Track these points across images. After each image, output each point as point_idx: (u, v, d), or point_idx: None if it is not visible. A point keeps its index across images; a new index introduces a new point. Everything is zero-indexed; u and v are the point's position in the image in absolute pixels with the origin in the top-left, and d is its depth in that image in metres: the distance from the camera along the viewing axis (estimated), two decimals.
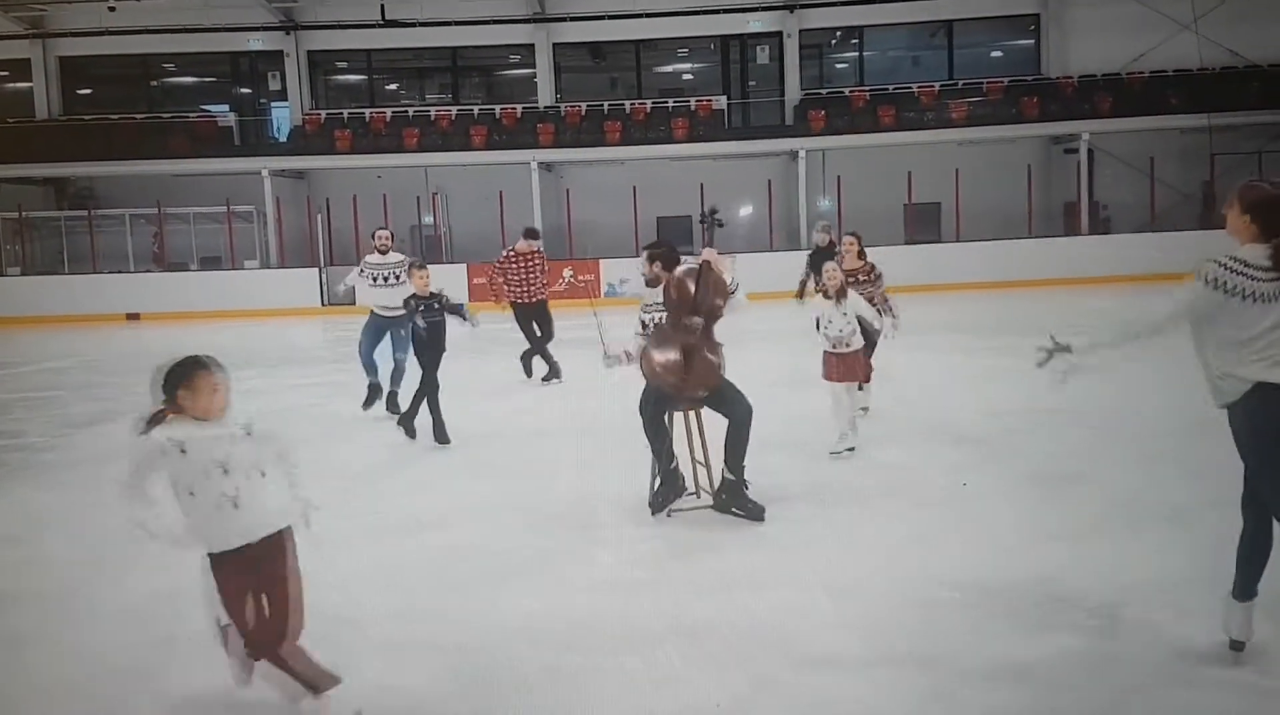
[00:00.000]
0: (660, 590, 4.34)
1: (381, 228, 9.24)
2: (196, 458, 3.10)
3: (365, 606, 4.26)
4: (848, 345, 6.44)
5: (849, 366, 6.47)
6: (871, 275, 7.47)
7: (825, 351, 6.53)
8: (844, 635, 3.80)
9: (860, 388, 7.15)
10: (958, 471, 6.10)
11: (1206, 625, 3.66)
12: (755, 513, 5.19)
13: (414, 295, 7.45)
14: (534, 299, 10.32)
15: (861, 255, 7.51)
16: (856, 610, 4.04)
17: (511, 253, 10.37)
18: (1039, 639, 3.68)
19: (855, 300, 6.51)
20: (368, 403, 8.65)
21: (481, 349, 14.20)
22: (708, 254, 5.37)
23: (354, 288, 9.43)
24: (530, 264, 10.30)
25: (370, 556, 4.96)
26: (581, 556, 4.84)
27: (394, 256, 8.89)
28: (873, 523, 5.20)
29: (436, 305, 7.46)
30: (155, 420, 3.17)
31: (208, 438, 3.11)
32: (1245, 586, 3.41)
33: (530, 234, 10.55)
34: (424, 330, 7.39)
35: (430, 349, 7.48)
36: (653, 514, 5.20)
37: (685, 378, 5.16)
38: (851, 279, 7.12)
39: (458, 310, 7.61)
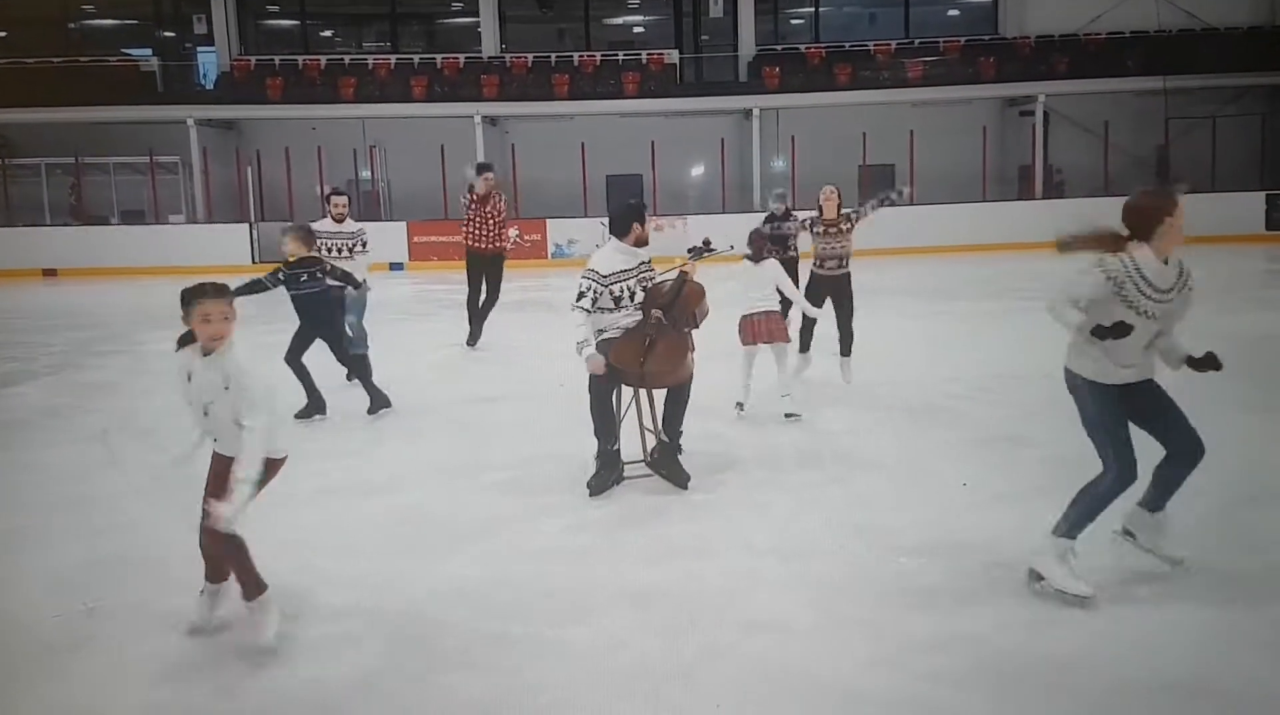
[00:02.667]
0: (608, 557, 4.39)
1: (338, 192, 8.68)
2: (194, 389, 3.54)
3: (308, 571, 4.25)
4: (767, 307, 6.62)
5: (773, 327, 6.58)
6: (848, 226, 7.73)
7: (744, 315, 6.64)
8: (793, 600, 3.88)
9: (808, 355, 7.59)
10: (909, 436, 6.23)
11: (1151, 586, 3.81)
12: (681, 479, 5.27)
13: (286, 262, 6.86)
14: (489, 247, 9.90)
15: (839, 207, 7.78)
16: (805, 575, 4.12)
17: (473, 196, 9.86)
18: (985, 604, 3.79)
19: (775, 268, 6.71)
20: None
21: (427, 312, 14.11)
22: (690, 268, 5.41)
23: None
24: (491, 207, 9.84)
25: (314, 520, 4.94)
26: (528, 523, 4.87)
27: (350, 225, 8.53)
28: (823, 488, 5.29)
29: (320, 273, 6.92)
30: (184, 340, 3.57)
31: (201, 378, 3.50)
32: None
33: (485, 168, 10.01)
34: (301, 299, 6.90)
35: (313, 324, 7.01)
36: (590, 495, 5.22)
37: (642, 370, 5.20)
38: (834, 228, 7.61)
39: (349, 278, 7.21)
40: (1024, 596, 3.84)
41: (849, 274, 7.73)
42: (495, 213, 9.89)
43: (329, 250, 8.16)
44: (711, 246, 5.66)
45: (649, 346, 5.20)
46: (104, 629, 3.82)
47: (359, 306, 8.11)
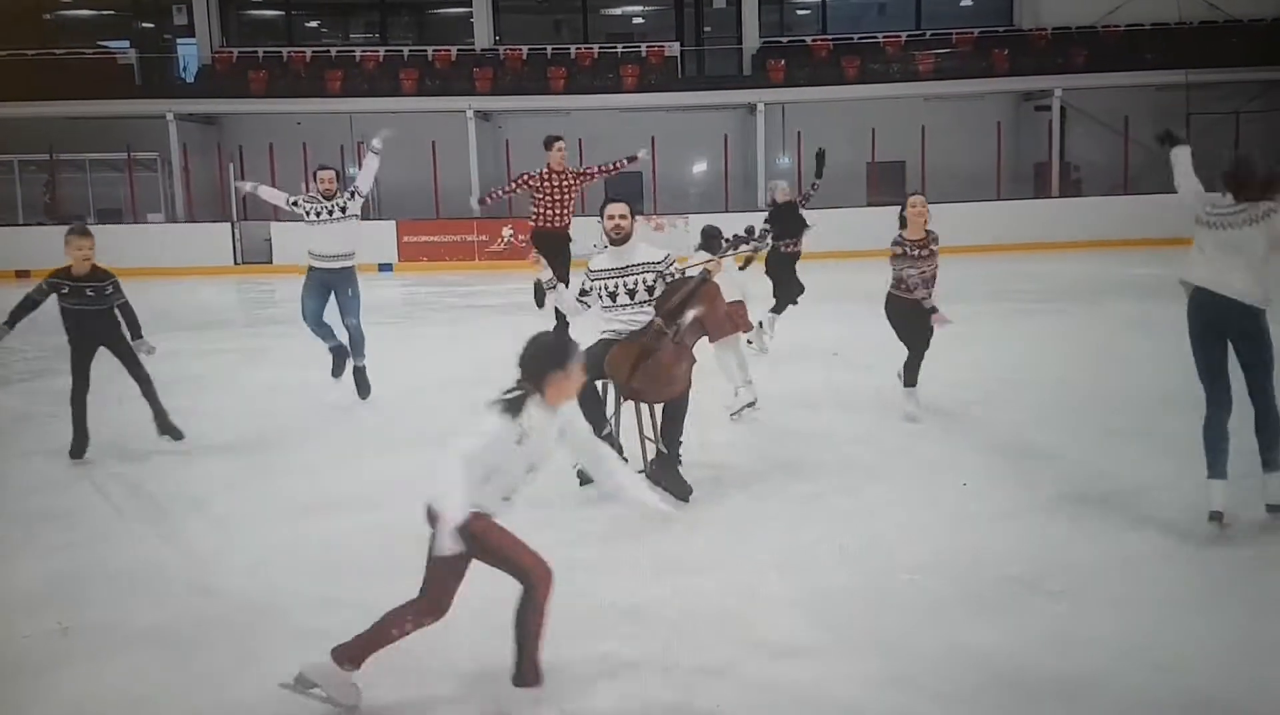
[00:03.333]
0: (605, 572, 4.36)
1: (325, 167, 8.07)
2: (533, 448, 3.43)
3: (282, 593, 4.22)
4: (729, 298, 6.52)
5: (738, 314, 6.51)
6: (936, 245, 6.83)
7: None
8: (798, 617, 3.85)
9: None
10: (917, 444, 6.20)
11: (1172, 607, 3.78)
12: (681, 491, 5.22)
13: (65, 272, 6.15)
14: (559, 224, 9.90)
15: (927, 222, 6.74)
16: (811, 591, 4.09)
17: (546, 171, 9.87)
18: (998, 621, 3.76)
19: (734, 273, 6.75)
20: (337, 369, 7.83)
21: (415, 316, 14.09)
22: (712, 266, 5.30)
23: (253, 194, 8.35)
24: (565, 184, 9.90)
25: (287, 538, 4.90)
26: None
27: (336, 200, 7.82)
28: (829, 499, 5.26)
29: (108, 290, 6.23)
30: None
31: (543, 431, 3.44)
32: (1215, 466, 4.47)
33: (556, 139, 10.10)
34: (74, 314, 6.15)
35: (84, 339, 6.23)
36: (580, 484, 5.23)
37: (630, 380, 5.15)
38: (924, 249, 6.68)
39: (133, 323, 6.34)
40: (1039, 612, 3.82)
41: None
42: (567, 187, 9.85)
43: (312, 213, 7.65)
44: (756, 237, 5.46)
45: (641, 358, 5.14)
46: (79, 649, 3.78)
47: (354, 305, 7.65)
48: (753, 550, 4.56)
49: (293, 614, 4.02)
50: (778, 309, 9.45)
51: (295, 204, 7.80)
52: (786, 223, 9.27)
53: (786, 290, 9.47)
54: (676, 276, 5.38)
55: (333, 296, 7.70)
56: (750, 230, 5.50)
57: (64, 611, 4.06)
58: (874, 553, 4.47)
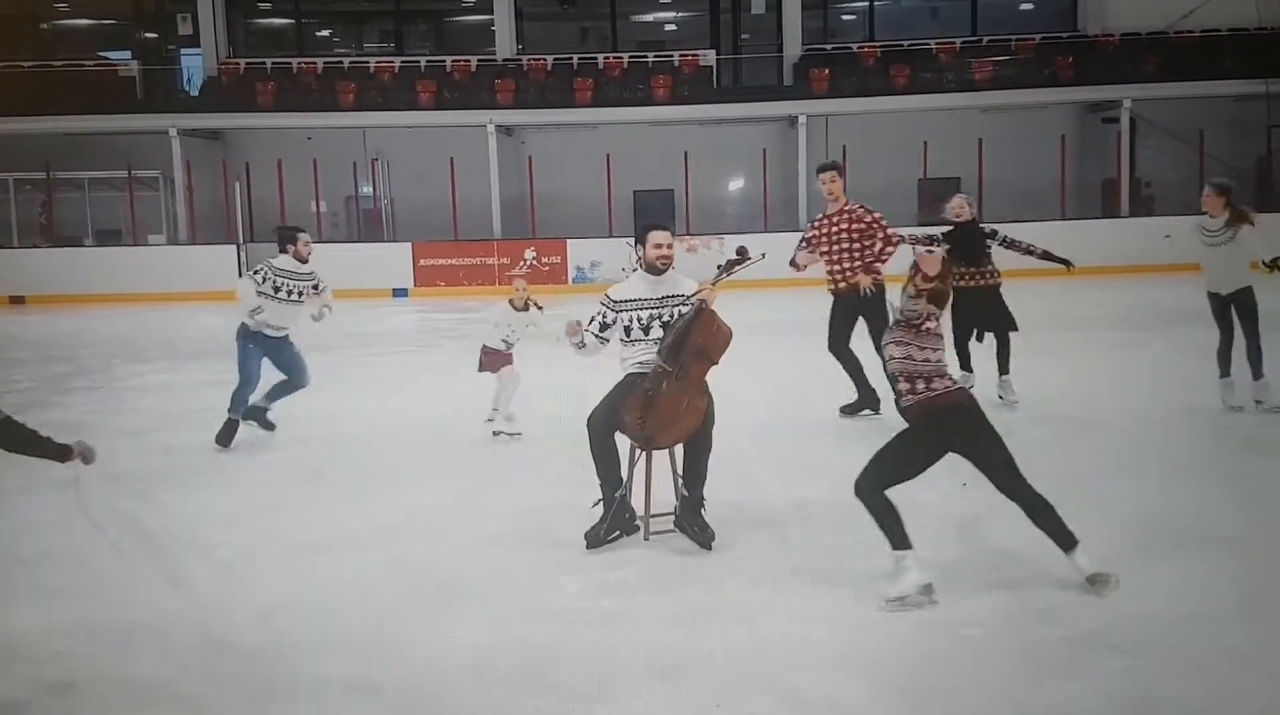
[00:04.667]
0: (635, 623, 4.37)
1: (303, 230, 8.14)
2: None
3: (286, 637, 4.27)
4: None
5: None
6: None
7: (488, 346, 7.70)
8: (840, 673, 3.85)
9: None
10: (974, 486, 6.16)
11: (1256, 670, 3.73)
12: (704, 539, 5.23)
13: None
14: (847, 282, 7.91)
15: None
16: (853, 644, 4.09)
17: (820, 218, 8.15)
18: (1059, 682, 3.74)
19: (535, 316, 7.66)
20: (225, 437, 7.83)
21: (430, 343, 14.22)
22: (706, 294, 5.28)
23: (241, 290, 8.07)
24: (846, 220, 7.93)
25: (291, 578, 4.96)
26: (542, 581, 4.86)
27: (308, 268, 7.96)
28: (869, 545, 5.23)
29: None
30: None
31: None
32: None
33: (830, 167, 8.15)
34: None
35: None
36: (586, 547, 5.23)
37: (643, 428, 5.16)
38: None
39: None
40: (1103, 668, 3.79)
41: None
42: (853, 229, 7.92)
43: (279, 291, 7.80)
44: (748, 257, 5.43)
45: (648, 403, 5.14)
46: (83, 710, 3.79)
47: (296, 364, 7.97)
48: (789, 600, 4.55)
49: (305, 663, 4.05)
50: (1002, 365, 8.40)
51: (262, 276, 7.83)
52: (966, 248, 8.20)
53: (997, 332, 8.49)
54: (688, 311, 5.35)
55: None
56: (742, 250, 5.52)
57: (67, 664, 4.10)
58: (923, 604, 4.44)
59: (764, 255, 5.44)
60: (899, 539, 4.47)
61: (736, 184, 24.68)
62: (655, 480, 5.43)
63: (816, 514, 5.76)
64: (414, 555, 5.25)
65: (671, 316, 5.38)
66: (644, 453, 5.36)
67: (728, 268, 5.41)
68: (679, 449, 5.41)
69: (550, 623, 4.39)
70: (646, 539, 5.37)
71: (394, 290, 20.74)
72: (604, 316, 5.50)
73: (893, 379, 4.61)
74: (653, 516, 5.39)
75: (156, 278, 20.56)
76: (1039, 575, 4.74)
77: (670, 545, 5.28)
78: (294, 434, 8.09)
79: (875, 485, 4.54)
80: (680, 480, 5.37)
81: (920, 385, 4.49)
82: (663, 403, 5.14)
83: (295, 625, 4.41)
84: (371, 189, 23.77)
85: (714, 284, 5.37)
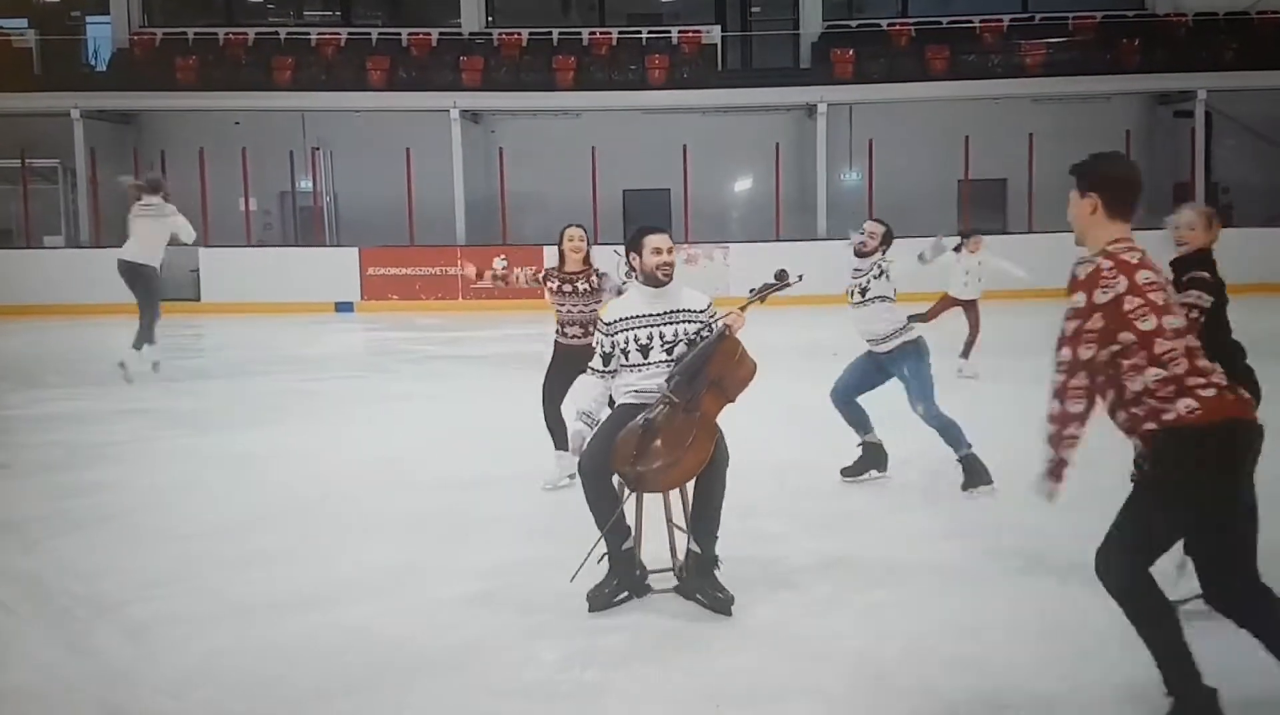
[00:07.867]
0: (623, 702, 4.36)
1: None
2: None
3: (223, 712, 4.26)
4: None
5: None
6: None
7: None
8: None
9: None
10: (1011, 545, 6.19)
11: None
12: (720, 603, 5.20)
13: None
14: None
15: None
16: None
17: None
18: None
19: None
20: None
21: (377, 366, 14.21)
22: (733, 319, 5.27)
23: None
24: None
25: (227, 643, 4.94)
26: (516, 650, 4.86)
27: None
28: (905, 609, 5.25)
29: None
30: None
31: None
32: None
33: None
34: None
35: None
36: (589, 610, 5.23)
37: (634, 464, 5.08)
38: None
39: None
40: None
41: None
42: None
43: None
44: (787, 281, 5.46)
45: (645, 436, 5.08)
46: None
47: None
48: (816, 675, 4.55)
49: None
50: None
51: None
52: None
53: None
54: (709, 334, 5.31)
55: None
56: (782, 274, 5.51)
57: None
58: (966, 681, 4.45)
59: (801, 277, 5.47)
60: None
61: (744, 184, 24.78)
62: (646, 529, 5.44)
63: (845, 568, 5.77)
64: (361, 620, 5.24)
65: (675, 335, 5.35)
66: (633, 495, 5.35)
67: (762, 291, 5.43)
68: (687, 491, 5.41)
69: (523, 699, 4.38)
70: (641, 596, 5.39)
71: (337, 304, 20.74)
72: (602, 346, 5.44)
73: None
74: (652, 572, 5.41)
75: (55, 287, 20.50)
76: (1089, 651, 4.78)
77: (667, 606, 5.29)
78: (224, 475, 8.09)
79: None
80: (688, 534, 5.33)
81: None
82: (663, 437, 5.08)
83: (228, 695, 4.39)
84: (311, 184, 23.75)
85: (743, 309, 5.39)
